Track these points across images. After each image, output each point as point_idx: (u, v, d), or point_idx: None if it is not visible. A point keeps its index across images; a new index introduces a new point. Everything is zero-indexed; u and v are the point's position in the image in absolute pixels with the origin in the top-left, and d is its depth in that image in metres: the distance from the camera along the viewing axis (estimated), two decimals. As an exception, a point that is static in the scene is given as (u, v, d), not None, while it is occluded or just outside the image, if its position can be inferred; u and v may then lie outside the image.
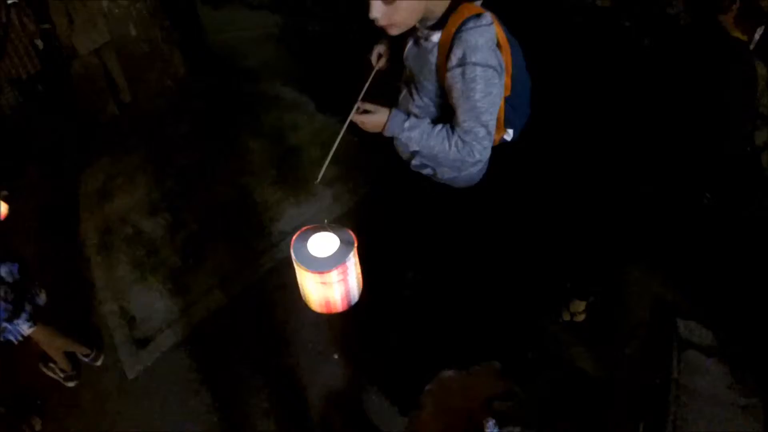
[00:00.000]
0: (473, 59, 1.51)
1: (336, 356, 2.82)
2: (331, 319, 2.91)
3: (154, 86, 3.69)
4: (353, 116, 1.71)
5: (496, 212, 2.25)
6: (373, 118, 1.71)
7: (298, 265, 1.47)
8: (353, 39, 1.65)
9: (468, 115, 1.59)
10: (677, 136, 2.12)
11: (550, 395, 2.35)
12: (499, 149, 1.88)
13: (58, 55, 4.92)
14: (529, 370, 2.56)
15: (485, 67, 1.52)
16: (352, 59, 2.20)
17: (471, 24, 1.52)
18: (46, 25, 4.91)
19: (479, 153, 1.64)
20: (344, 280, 1.54)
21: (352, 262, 1.51)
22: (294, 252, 1.47)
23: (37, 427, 2.76)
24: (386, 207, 3.17)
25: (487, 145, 1.65)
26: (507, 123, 1.80)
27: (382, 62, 1.92)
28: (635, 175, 2.36)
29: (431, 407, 1.19)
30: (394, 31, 1.58)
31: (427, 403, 1.19)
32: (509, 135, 1.85)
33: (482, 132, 1.60)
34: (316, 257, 1.50)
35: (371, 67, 1.90)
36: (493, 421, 1.00)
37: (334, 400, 2.67)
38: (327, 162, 1.66)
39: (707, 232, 2.82)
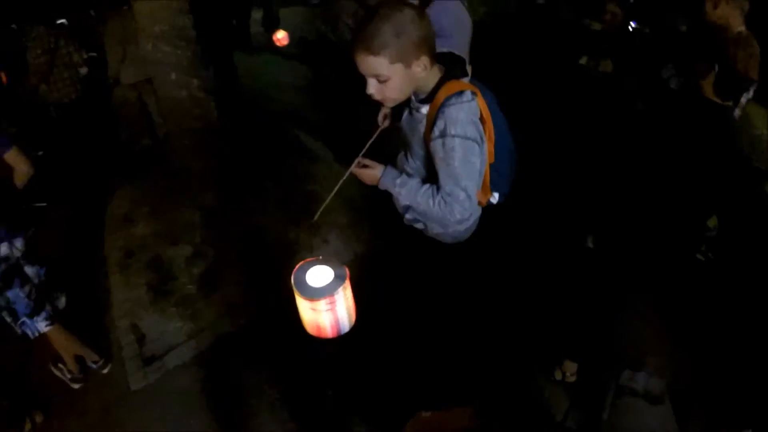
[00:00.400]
0: (453, 132, 1.68)
1: (330, 392, 2.91)
2: (329, 353, 2.96)
3: (187, 127, 3.96)
4: (353, 169, 1.93)
5: (482, 268, 2.37)
6: (370, 173, 1.91)
7: (295, 291, 1.67)
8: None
9: (448, 180, 1.75)
10: (663, 193, 2.26)
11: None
12: (487, 211, 2.05)
13: (102, 83, 5.29)
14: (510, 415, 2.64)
15: (464, 138, 1.69)
16: (369, 114, 2.41)
17: (453, 100, 1.70)
18: (93, 54, 5.30)
19: (459, 213, 1.78)
20: (332, 309, 1.71)
21: (341, 295, 1.69)
22: (294, 279, 1.68)
23: (38, 419, 2.91)
24: (385, 256, 3.33)
25: (467, 207, 1.79)
26: (493, 186, 1.97)
27: (387, 122, 2.16)
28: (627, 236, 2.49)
29: None
30: (389, 104, 1.80)
31: None
32: (495, 198, 2.01)
33: (462, 195, 1.75)
34: (310, 286, 1.70)
35: (377, 126, 2.14)
36: None
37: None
38: (326, 203, 1.89)
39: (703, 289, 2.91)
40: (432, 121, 1.74)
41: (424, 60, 1.65)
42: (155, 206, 4.52)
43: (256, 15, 9.45)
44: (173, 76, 3.74)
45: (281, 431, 2.76)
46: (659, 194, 2.26)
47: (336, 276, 1.70)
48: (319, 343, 1.82)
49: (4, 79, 5.44)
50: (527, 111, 5.33)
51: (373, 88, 1.68)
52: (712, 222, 3.10)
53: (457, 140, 1.68)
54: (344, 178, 1.94)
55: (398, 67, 1.61)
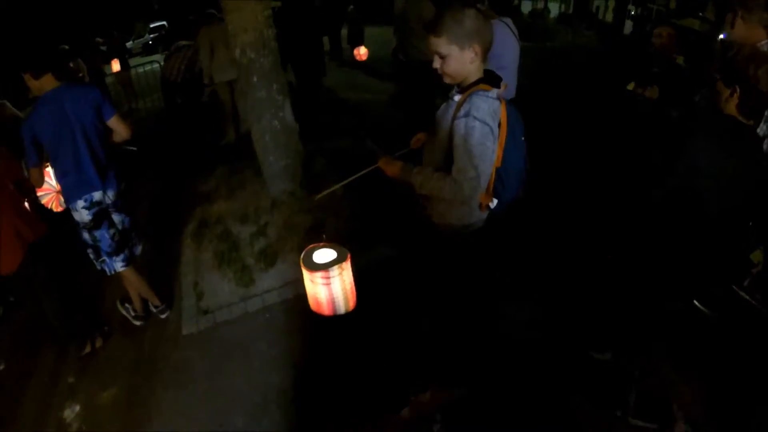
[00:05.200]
0: (474, 114, 1.87)
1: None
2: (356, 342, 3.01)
3: (265, 124, 4.29)
4: (380, 162, 2.22)
5: (480, 263, 2.47)
6: (392, 166, 2.17)
7: (301, 263, 1.90)
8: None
9: (463, 156, 1.90)
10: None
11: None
12: (491, 216, 2.21)
13: (199, 79, 6.03)
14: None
15: (483, 123, 1.86)
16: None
17: (481, 93, 1.91)
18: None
19: (468, 190, 1.93)
20: (328, 285, 1.91)
21: (337, 273, 1.90)
22: (303, 255, 1.91)
23: (98, 344, 3.28)
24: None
25: (476, 185, 1.93)
26: (495, 192, 2.10)
27: (418, 144, 2.43)
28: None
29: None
30: (447, 80, 2.02)
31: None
32: (494, 203, 2.12)
33: (472, 173, 1.89)
34: (313, 261, 1.93)
35: (408, 145, 2.46)
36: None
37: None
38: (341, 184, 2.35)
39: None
40: (460, 105, 1.94)
41: (476, 48, 1.90)
42: (233, 190, 4.92)
43: (345, 32, 9.94)
44: (255, 78, 4.07)
45: (297, 400, 2.80)
46: (689, 216, 2.13)
47: (337, 257, 1.92)
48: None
49: (117, 66, 6.49)
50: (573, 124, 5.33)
51: (437, 63, 1.96)
52: (756, 257, 2.75)
53: (477, 123, 1.87)
54: (369, 169, 2.29)
55: (454, 49, 1.89)
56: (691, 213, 2.09)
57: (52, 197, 3.16)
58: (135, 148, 3.37)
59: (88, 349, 3.25)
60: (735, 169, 2.01)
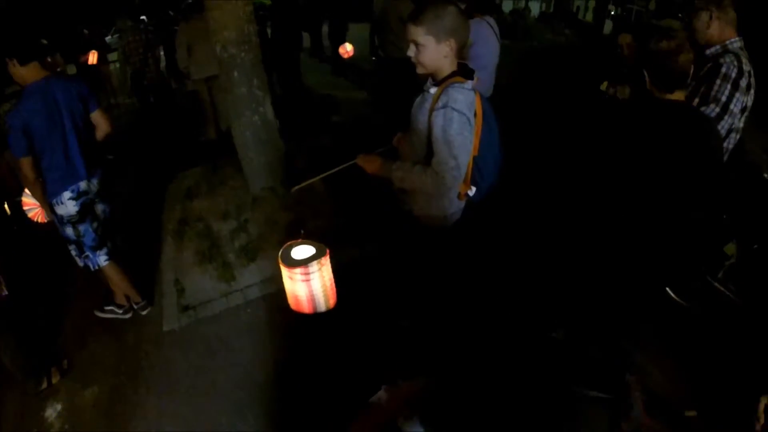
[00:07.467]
0: (452, 105, 1.91)
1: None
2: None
3: (245, 120, 4.29)
4: (359, 159, 2.26)
5: (461, 254, 2.51)
6: (371, 162, 2.22)
7: (279, 260, 1.90)
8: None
9: (443, 148, 1.95)
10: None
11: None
12: (469, 206, 2.27)
13: (175, 75, 5.96)
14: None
15: (460, 113, 1.91)
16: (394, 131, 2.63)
17: (457, 85, 1.96)
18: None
19: (449, 181, 1.97)
20: (307, 281, 1.89)
21: (316, 269, 1.89)
22: (282, 253, 1.90)
23: (54, 380, 3.01)
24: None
25: (456, 175, 1.98)
26: (472, 181, 2.15)
27: (398, 142, 2.42)
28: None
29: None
30: (419, 70, 2.05)
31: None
32: (472, 191, 2.18)
33: (453, 163, 1.94)
34: (291, 257, 1.92)
35: (390, 143, 2.46)
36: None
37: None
38: (319, 177, 2.30)
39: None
40: (437, 97, 1.98)
41: (452, 44, 1.94)
42: (213, 187, 4.92)
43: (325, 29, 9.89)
44: (235, 74, 4.07)
45: (275, 384, 2.85)
46: (656, 207, 2.08)
47: (316, 253, 1.92)
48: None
49: (94, 59, 6.38)
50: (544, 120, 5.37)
51: (412, 51, 2.00)
52: (730, 249, 2.93)
53: (455, 113, 1.92)
54: (350, 163, 2.30)
55: (430, 40, 1.93)
56: (658, 204, 2.07)
57: (37, 212, 3.11)
58: (112, 156, 3.34)
59: (44, 386, 2.99)
60: (689, 153, 1.98)
